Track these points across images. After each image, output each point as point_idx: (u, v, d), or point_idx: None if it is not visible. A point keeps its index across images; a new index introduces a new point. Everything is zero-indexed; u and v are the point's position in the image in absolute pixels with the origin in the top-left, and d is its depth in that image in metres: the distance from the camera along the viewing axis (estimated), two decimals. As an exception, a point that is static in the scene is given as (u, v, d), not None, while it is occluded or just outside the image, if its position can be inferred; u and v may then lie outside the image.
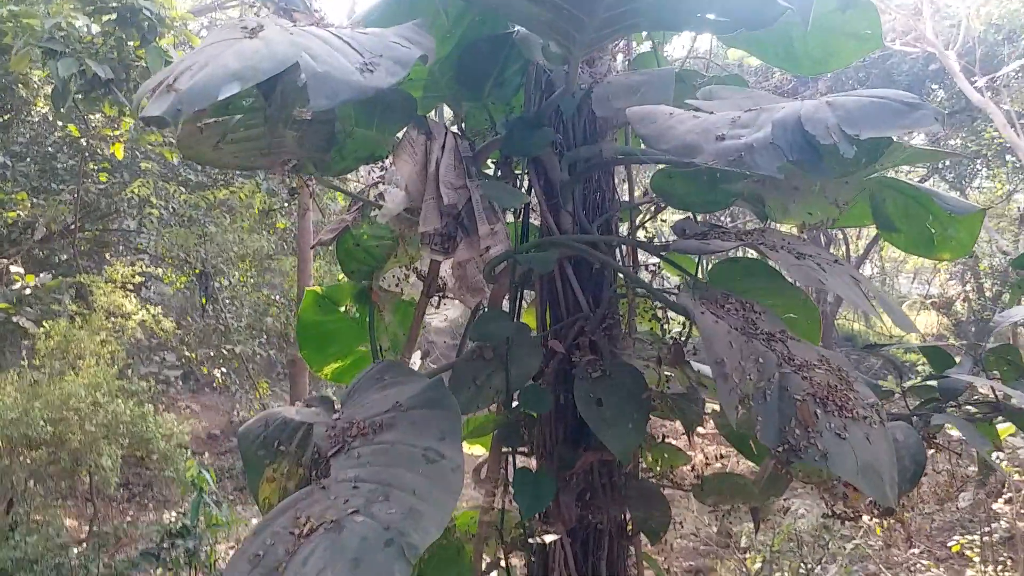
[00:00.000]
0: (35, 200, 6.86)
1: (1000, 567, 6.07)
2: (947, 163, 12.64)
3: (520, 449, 1.82)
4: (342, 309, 1.98)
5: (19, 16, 5.85)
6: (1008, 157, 11.48)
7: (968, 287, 13.13)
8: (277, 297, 9.23)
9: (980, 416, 1.68)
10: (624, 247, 1.93)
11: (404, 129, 1.72)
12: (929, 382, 1.61)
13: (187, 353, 8.54)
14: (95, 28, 6.45)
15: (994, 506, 6.69)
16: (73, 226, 7.58)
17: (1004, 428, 2.30)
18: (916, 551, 6.93)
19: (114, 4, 6.27)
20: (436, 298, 1.93)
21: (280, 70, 0.99)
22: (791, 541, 5.36)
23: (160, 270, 9.22)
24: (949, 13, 11.90)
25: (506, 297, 1.96)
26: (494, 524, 1.84)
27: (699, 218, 1.89)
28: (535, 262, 1.66)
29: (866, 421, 1.37)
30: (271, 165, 1.36)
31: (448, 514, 1.08)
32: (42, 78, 7.68)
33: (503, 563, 1.96)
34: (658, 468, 2.13)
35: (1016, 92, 10.88)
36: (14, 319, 5.49)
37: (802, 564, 5.28)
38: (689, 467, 2.06)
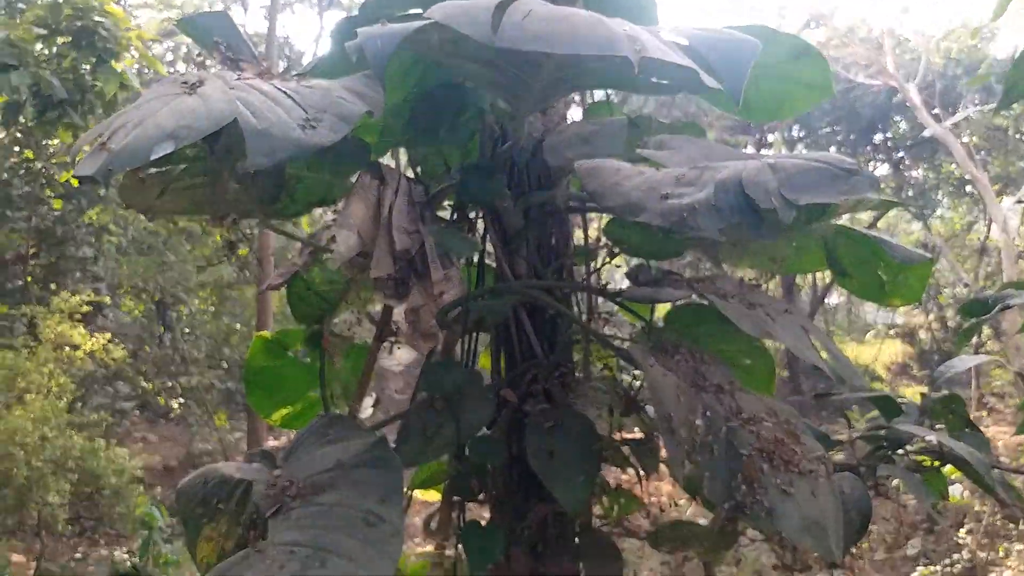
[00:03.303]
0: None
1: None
2: (911, 194, 12.97)
3: (476, 498, 1.79)
4: (292, 353, 1.95)
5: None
6: (968, 188, 11.82)
7: (931, 317, 13.42)
8: (238, 326, 9.08)
9: (927, 465, 1.70)
10: (579, 293, 1.92)
11: (357, 173, 1.71)
12: (878, 431, 1.63)
13: (143, 383, 8.35)
14: (50, 49, 6.36)
15: (956, 536, 6.79)
16: (27, 253, 7.41)
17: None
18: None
19: (68, 25, 6.19)
20: (389, 343, 1.90)
21: (216, 129, 0.97)
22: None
23: (114, 299, 9.04)
24: (910, 47, 12.29)
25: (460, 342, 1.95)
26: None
27: (656, 263, 1.90)
28: (487, 309, 1.65)
29: (812, 475, 1.37)
30: (212, 216, 1.33)
31: (385, 582, 1.05)
32: (-3, 103, 7.56)
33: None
34: (613, 515, 2.12)
35: (975, 125, 11.22)
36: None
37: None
38: (644, 514, 2.05)
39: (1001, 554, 5.76)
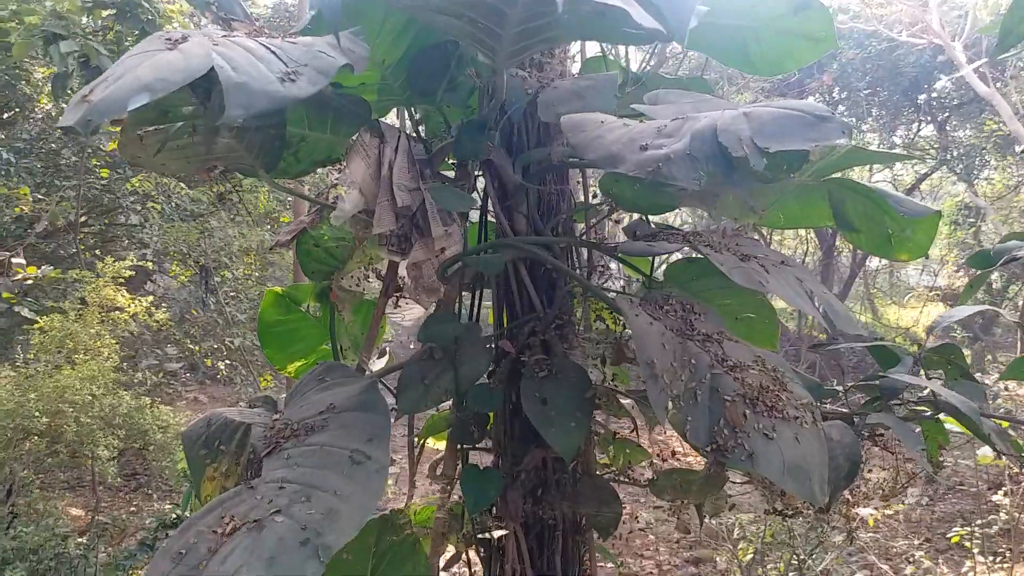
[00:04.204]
0: (38, 195, 6.95)
1: (999, 558, 6.07)
2: (956, 154, 12.54)
3: (481, 446, 1.86)
4: (304, 308, 2.02)
5: (21, 13, 5.93)
6: (1018, 147, 11.36)
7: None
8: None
9: (927, 413, 1.70)
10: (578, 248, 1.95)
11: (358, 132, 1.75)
12: (872, 381, 1.63)
13: (190, 346, 8.63)
14: (95, 22, 6.51)
15: (994, 498, 6.69)
16: (77, 221, 7.68)
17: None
18: (916, 542, 6.94)
19: (112, -1, 6.33)
20: (395, 298, 1.96)
21: (190, 80, 1.02)
22: (784, 532, 5.37)
23: (162, 266, 9.32)
24: (956, 3, 11.79)
25: (467, 297, 2.00)
26: (451, 519, 1.88)
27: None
28: (483, 264, 1.69)
29: (797, 421, 1.40)
30: (200, 168, 1.39)
31: (366, 514, 1.11)
32: (45, 76, 7.77)
33: (463, 557, 2.00)
34: (620, 464, 2.16)
35: (1022, 83, 10.75)
36: (15, 309, 5.58)
37: (794, 556, 5.30)
38: (647, 463, 2.09)
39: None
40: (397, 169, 1.77)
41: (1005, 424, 1.65)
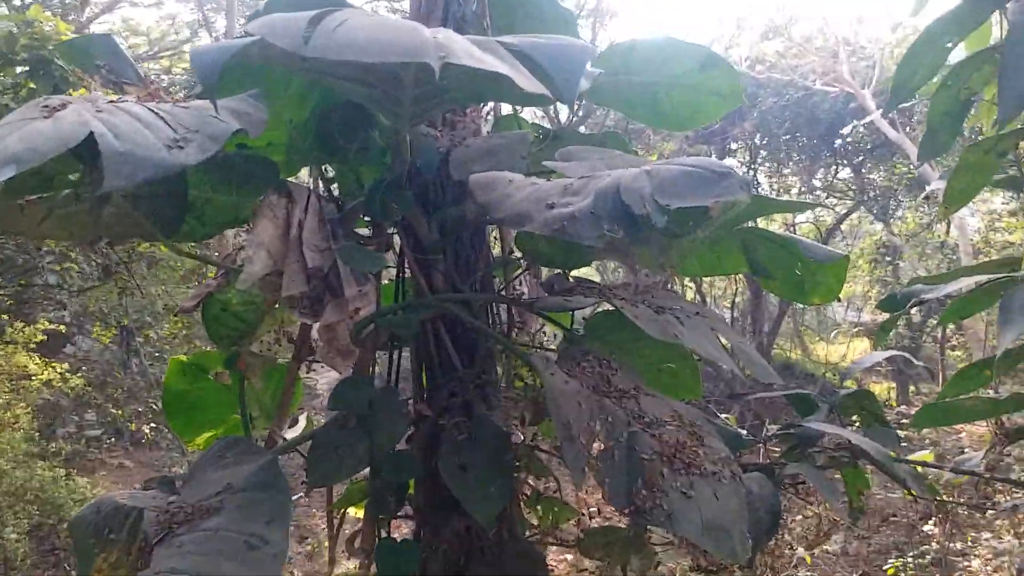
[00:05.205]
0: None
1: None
2: (872, 195, 13.13)
3: (396, 515, 1.78)
4: (212, 376, 1.93)
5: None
6: (921, 193, 11.97)
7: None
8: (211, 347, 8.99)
9: (846, 460, 1.71)
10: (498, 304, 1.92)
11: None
12: (789, 430, 1.64)
13: (112, 410, 8.22)
14: (7, 80, 6.31)
15: (924, 528, 6.85)
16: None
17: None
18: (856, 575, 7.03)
19: (26, 55, 6.15)
20: (308, 362, 1.89)
21: (62, 150, 0.96)
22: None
23: (84, 328, 8.92)
24: (866, 54, 12.49)
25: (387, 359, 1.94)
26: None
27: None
28: (396, 325, 1.64)
29: (715, 476, 1.38)
30: (83, 240, 1.32)
31: (260, 606, 1.04)
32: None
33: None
34: (548, 523, 2.11)
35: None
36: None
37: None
38: (574, 522, 2.05)
39: (969, 543, 5.81)
40: (307, 229, 1.72)
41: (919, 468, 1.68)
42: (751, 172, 15.52)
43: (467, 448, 1.59)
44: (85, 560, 1.30)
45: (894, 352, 1.98)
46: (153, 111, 1.17)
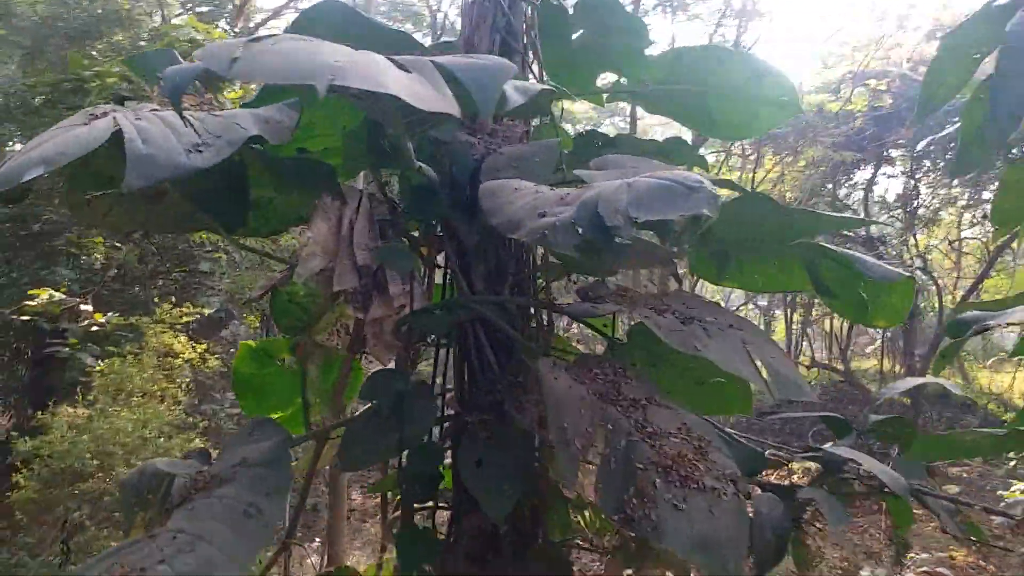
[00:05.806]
0: (115, 244, 7.41)
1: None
2: None
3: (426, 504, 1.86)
4: (280, 361, 2.09)
5: (102, 75, 6.43)
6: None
7: None
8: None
9: (887, 490, 1.62)
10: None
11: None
12: (816, 454, 1.57)
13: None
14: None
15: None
16: (152, 270, 8.15)
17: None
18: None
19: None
20: (362, 354, 2.02)
21: (84, 152, 1.11)
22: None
23: (238, 312, 9.71)
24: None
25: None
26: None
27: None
28: (428, 324, 1.72)
29: (715, 492, 1.36)
30: (119, 231, 1.48)
31: (240, 568, 1.15)
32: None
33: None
34: (594, 528, 2.12)
35: None
36: (78, 355, 5.94)
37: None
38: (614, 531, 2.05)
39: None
40: (358, 229, 1.84)
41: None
42: (912, 183, 14.47)
43: (487, 445, 1.64)
44: (129, 517, 1.48)
45: (931, 379, 1.81)
46: (185, 118, 1.31)
